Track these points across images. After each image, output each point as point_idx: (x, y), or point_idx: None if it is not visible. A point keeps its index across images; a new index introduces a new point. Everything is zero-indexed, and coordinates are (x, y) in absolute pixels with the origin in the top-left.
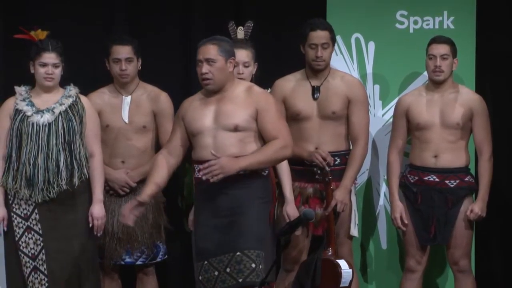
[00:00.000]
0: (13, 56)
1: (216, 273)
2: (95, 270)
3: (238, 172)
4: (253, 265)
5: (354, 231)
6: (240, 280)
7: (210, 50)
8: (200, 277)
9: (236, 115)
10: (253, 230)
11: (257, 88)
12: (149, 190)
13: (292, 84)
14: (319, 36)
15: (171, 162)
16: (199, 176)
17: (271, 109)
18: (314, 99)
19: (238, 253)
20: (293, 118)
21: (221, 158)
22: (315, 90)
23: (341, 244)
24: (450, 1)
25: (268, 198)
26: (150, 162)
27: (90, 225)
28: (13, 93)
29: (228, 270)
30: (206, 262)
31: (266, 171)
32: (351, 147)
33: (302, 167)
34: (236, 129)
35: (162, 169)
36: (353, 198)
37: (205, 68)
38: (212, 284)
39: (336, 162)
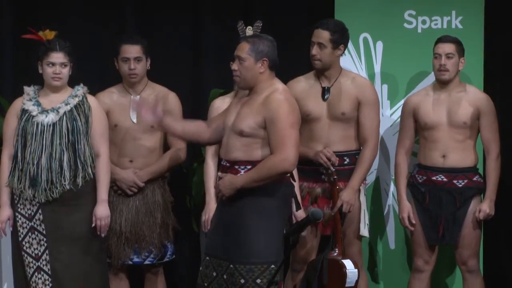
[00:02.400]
0: (23, 56)
1: (214, 274)
2: (102, 270)
3: (235, 191)
4: (242, 281)
5: (364, 231)
6: None
7: (243, 48)
8: (201, 268)
9: (244, 121)
10: (248, 243)
11: (274, 96)
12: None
13: (303, 85)
14: (317, 34)
15: (204, 132)
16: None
17: (278, 120)
18: (324, 100)
19: (231, 265)
20: (303, 118)
21: (223, 179)
22: (325, 91)
23: (349, 244)
24: (458, 1)
25: (278, 204)
26: (158, 162)
27: (93, 225)
28: (22, 93)
29: (225, 277)
30: (208, 258)
31: None
32: (361, 147)
33: (310, 167)
34: (241, 134)
35: (194, 125)
36: (363, 198)
37: (234, 65)
38: (209, 281)
39: (346, 162)
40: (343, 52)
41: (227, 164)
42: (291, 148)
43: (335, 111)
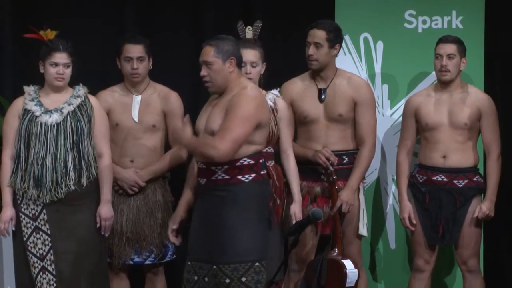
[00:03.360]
0: (23, 55)
1: (196, 277)
2: (104, 270)
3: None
4: (227, 280)
5: (363, 231)
6: None
7: (207, 52)
8: (184, 274)
9: (214, 121)
10: (230, 243)
11: (241, 92)
12: (181, 208)
13: (299, 87)
14: (313, 34)
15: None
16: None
17: (233, 111)
18: (321, 101)
19: (214, 267)
20: (300, 120)
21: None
22: (321, 92)
23: (349, 244)
24: (458, 1)
25: (256, 202)
26: (159, 162)
27: (98, 225)
28: (22, 93)
29: (206, 279)
30: (189, 263)
31: (248, 177)
32: (359, 147)
33: (309, 166)
34: (213, 134)
35: (194, 174)
36: (362, 198)
37: (203, 71)
38: (190, 286)
39: (344, 161)
40: (338, 52)
41: (204, 166)
42: (227, 142)
43: (332, 113)
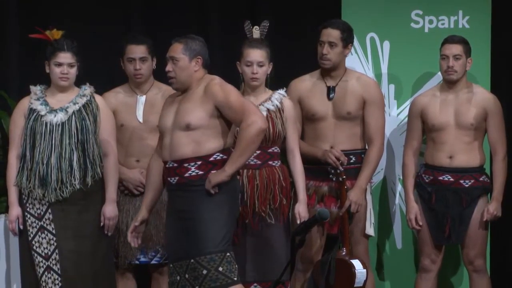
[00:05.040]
0: (29, 55)
1: (178, 277)
2: (110, 270)
3: (228, 177)
4: (204, 272)
5: (370, 230)
6: (197, 287)
7: (175, 49)
8: (168, 279)
9: (189, 113)
10: (205, 234)
11: (212, 83)
12: (144, 208)
13: (308, 84)
14: (327, 33)
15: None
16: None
17: (227, 97)
18: (329, 99)
19: (192, 260)
20: (308, 118)
21: (208, 180)
22: (330, 90)
23: (356, 243)
24: (465, 1)
25: (229, 195)
26: None
27: (102, 224)
28: (29, 93)
29: (187, 276)
30: (171, 265)
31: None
32: (366, 146)
33: (317, 165)
34: (188, 127)
35: (155, 174)
36: (369, 197)
37: (168, 66)
38: (175, 287)
39: (352, 161)
40: (350, 52)
41: (174, 165)
42: (252, 110)
43: (341, 111)
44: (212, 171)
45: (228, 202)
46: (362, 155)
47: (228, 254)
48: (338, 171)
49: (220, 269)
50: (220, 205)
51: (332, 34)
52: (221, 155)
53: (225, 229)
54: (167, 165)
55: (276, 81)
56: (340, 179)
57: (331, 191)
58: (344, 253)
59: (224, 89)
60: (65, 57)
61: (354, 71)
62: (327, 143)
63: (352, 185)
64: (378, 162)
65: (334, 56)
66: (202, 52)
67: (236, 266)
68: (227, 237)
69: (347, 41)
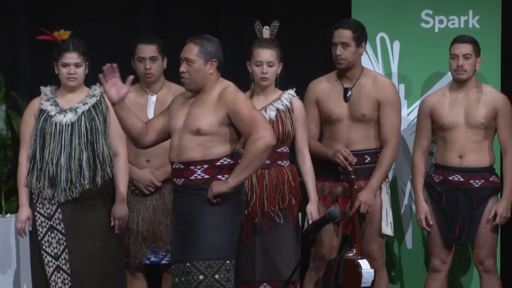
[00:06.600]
0: (40, 56)
1: (177, 280)
2: (120, 270)
3: (230, 190)
4: (201, 277)
5: (387, 230)
6: None
7: (191, 50)
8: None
9: (201, 119)
10: (205, 239)
11: (228, 90)
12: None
13: (325, 86)
14: (339, 34)
15: (143, 135)
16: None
17: (240, 108)
18: (346, 101)
19: (187, 264)
20: (325, 120)
21: (211, 185)
22: (347, 91)
23: (369, 243)
24: (475, 0)
25: (234, 202)
26: None
27: (112, 224)
28: (39, 94)
29: (182, 279)
30: (173, 266)
31: (226, 176)
32: (381, 146)
33: (330, 165)
34: (198, 132)
35: (141, 125)
36: (385, 197)
37: (183, 67)
38: None
39: (367, 161)
40: (364, 50)
41: (181, 167)
42: (261, 124)
43: (356, 112)
44: (218, 176)
45: (231, 209)
46: (378, 155)
47: (228, 262)
48: (347, 170)
49: (217, 276)
50: (223, 212)
51: (344, 34)
52: (228, 159)
53: (226, 236)
54: (173, 166)
55: (286, 81)
56: (349, 178)
57: (346, 191)
58: (353, 253)
59: (238, 99)
60: (71, 57)
61: (371, 71)
62: (341, 144)
63: (366, 185)
64: (391, 164)
65: (349, 55)
66: (217, 55)
67: (233, 275)
68: (227, 245)
69: (359, 40)
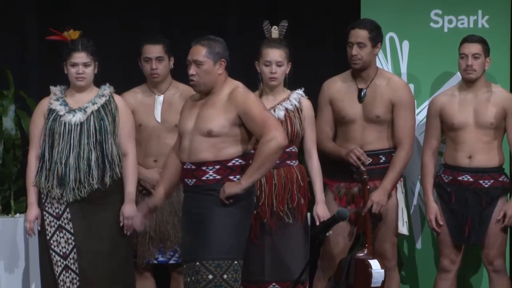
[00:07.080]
0: (49, 56)
1: (188, 279)
2: (129, 269)
3: (243, 191)
4: (210, 276)
5: (403, 229)
6: None
7: (199, 52)
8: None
9: (212, 120)
10: (215, 239)
11: (237, 91)
12: (158, 193)
13: (339, 86)
14: (355, 34)
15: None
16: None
17: (251, 108)
18: (360, 101)
19: (197, 263)
20: (339, 120)
21: (223, 186)
22: (361, 92)
23: (382, 242)
24: (484, 0)
25: (244, 203)
26: None
27: (121, 224)
28: (49, 94)
29: (193, 278)
30: (184, 266)
31: (237, 176)
32: (396, 146)
33: (346, 166)
34: (210, 134)
35: (171, 167)
36: (400, 196)
37: (192, 69)
38: None
39: (381, 160)
40: (379, 50)
41: (193, 167)
42: (273, 125)
43: (370, 114)
44: (229, 177)
45: (242, 210)
46: (392, 155)
47: (236, 262)
48: (360, 170)
49: (225, 276)
50: (234, 213)
51: (360, 34)
52: (240, 160)
53: (236, 236)
54: (185, 166)
55: (294, 81)
56: (362, 178)
57: (361, 192)
58: (364, 253)
59: (249, 99)
60: (79, 57)
61: (386, 72)
62: (356, 145)
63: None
64: (405, 165)
65: (365, 55)
66: (225, 54)
67: (241, 276)
68: (237, 246)
69: (375, 40)
